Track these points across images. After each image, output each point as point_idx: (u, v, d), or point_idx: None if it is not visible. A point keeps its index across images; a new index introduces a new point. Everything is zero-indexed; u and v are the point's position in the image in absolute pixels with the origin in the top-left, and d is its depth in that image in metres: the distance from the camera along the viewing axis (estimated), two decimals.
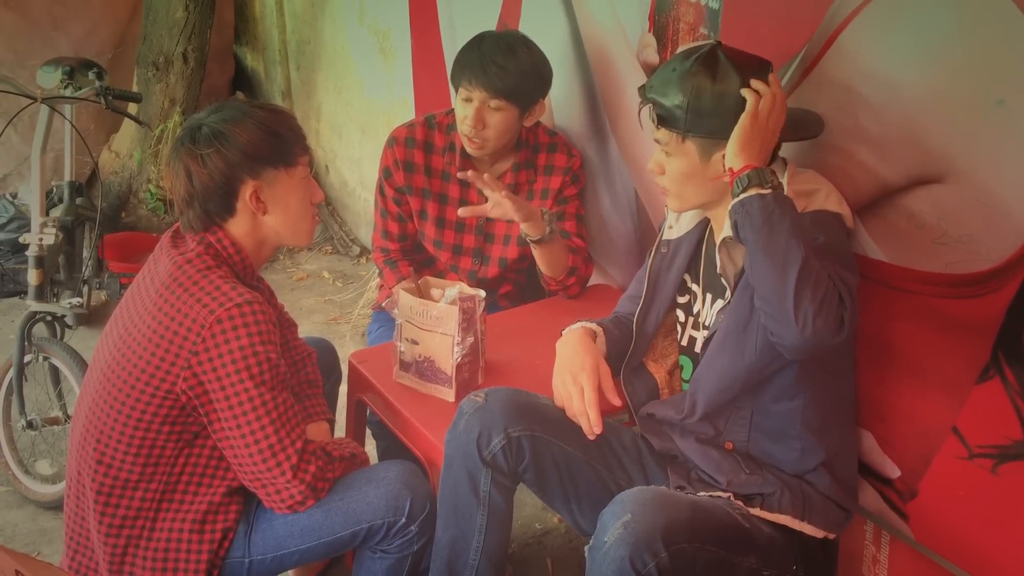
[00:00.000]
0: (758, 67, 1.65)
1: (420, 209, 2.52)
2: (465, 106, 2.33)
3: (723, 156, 1.65)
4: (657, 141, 1.73)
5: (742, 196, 1.56)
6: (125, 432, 1.73)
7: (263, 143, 1.75)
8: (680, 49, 1.72)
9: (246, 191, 1.76)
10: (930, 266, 1.70)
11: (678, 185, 1.74)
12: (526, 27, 2.73)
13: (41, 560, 1.52)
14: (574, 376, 1.82)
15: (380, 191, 2.55)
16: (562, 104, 2.68)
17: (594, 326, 1.94)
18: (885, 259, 1.78)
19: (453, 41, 3.06)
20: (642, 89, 1.73)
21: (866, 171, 1.77)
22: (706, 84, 1.63)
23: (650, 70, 2.29)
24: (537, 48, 2.37)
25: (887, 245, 1.77)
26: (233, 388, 1.68)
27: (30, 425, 2.69)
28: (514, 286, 2.65)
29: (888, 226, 1.76)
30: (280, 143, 1.78)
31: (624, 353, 1.96)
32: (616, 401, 1.84)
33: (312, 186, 1.87)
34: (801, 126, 1.76)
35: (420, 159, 2.49)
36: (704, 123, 1.65)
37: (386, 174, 2.51)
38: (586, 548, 1.61)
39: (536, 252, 2.38)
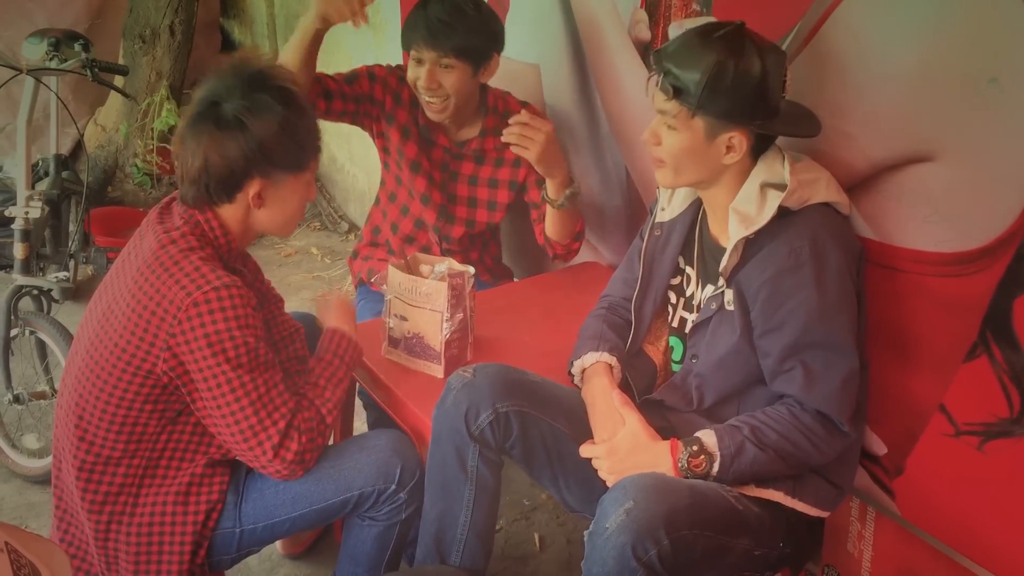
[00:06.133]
0: (778, 57, 1.63)
1: (399, 148, 2.49)
2: (417, 68, 2.32)
3: (729, 138, 1.64)
4: (661, 111, 1.68)
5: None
6: (107, 410, 1.72)
7: (284, 148, 1.73)
8: (700, 22, 1.68)
9: (252, 188, 1.74)
10: (919, 244, 1.70)
11: (676, 159, 1.70)
12: (516, 2, 2.71)
13: (31, 532, 1.51)
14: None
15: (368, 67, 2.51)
16: (552, 79, 2.67)
17: (608, 358, 1.90)
18: (874, 237, 1.78)
19: None
20: (657, 55, 1.68)
21: (857, 149, 1.77)
22: (729, 63, 1.57)
23: (642, 46, 2.28)
24: (485, 4, 2.37)
25: (876, 223, 1.77)
26: (211, 371, 1.67)
27: (17, 399, 2.69)
28: (481, 253, 2.65)
29: (878, 204, 1.76)
30: (299, 150, 1.77)
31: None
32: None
33: (312, 186, 1.86)
34: (803, 124, 1.73)
35: (407, 96, 2.47)
36: (718, 103, 1.61)
37: (388, 69, 2.49)
38: (585, 533, 1.60)
39: (550, 215, 2.40)
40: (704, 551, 1.59)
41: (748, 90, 1.59)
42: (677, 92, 1.63)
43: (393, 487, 1.84)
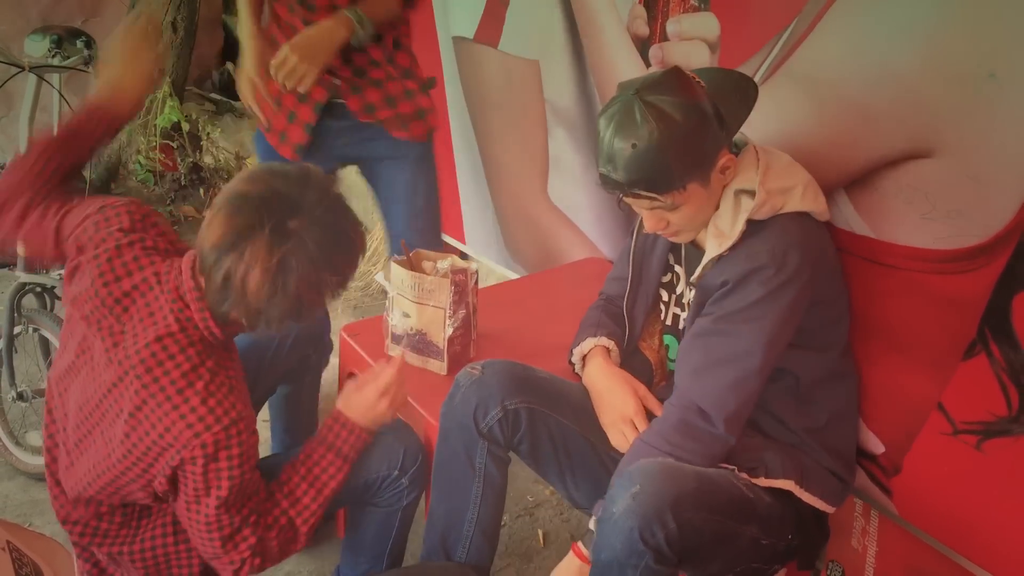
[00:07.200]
0: (676, 83, 1.57)
1: None
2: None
3: (720, 167, 1.62)
4: (652, 208, 1.65)
5: None
6: (103, 500, 1.70)
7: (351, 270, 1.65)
8: (602, 120, 1.60)
9: None
10: (918, 241, 1.71)
11: (690, 222, 1.69)
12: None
13: (33, 531, 1.53)
14: (626, 422, 1.81)
15: None
16: (551, 75, 2.67)
17: (606, 342, 1.91)
18: (872, 234, 1.78)
19: (444, 6, 3.04)
20: (606, 183, 1.63)
21: (855, 145, 1.77)
22: (664, 136, 1.53)
23: (640, 42, 2.28)
24: None
25: (874, 220, 1.78)
26: (196, 502, 1.61)
27: (20, 397, 2.69)
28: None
29: (875, 200, 1.76)
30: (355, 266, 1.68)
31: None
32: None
33: None
34: (742, 101, 1.68)
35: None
36: (689, 164, 1.57)
37: None
38: (593, 519, 1.62)
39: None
40: (712, 536, 1.60)
41: (697, 134, 1.56)
42: (662, 191, 1.60)
43: (395, 473, 1.84)
